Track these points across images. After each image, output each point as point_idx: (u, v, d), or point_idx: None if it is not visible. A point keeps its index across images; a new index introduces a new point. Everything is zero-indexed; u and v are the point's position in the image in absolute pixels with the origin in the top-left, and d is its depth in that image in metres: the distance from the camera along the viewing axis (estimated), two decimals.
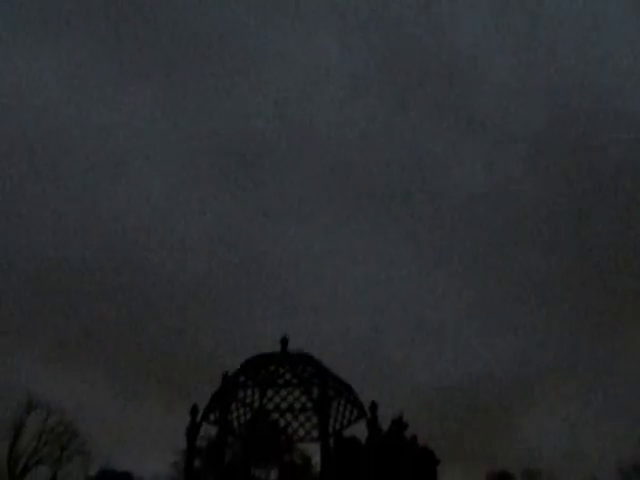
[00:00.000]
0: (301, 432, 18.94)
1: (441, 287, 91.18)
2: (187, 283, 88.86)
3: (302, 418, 18.88)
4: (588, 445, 69.55)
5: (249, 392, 18.34)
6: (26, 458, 47.49)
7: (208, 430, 33.53)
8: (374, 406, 17.78)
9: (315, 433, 18.72)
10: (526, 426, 75.36)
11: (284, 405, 18.66)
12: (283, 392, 18.54)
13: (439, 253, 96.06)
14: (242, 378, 17.69)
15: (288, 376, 18.07)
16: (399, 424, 41.26)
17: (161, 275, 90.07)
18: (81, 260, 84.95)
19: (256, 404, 18.61)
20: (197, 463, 39.36)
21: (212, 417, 17.47)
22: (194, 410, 17.24)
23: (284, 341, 17.69)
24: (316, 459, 40.15)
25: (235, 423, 18.36)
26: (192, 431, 17.31)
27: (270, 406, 18.67)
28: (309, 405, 18.62)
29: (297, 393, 18.60)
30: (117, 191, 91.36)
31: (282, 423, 18.99)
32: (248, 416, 18.60)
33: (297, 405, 18.71)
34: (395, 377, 75.75)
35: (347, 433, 38.08)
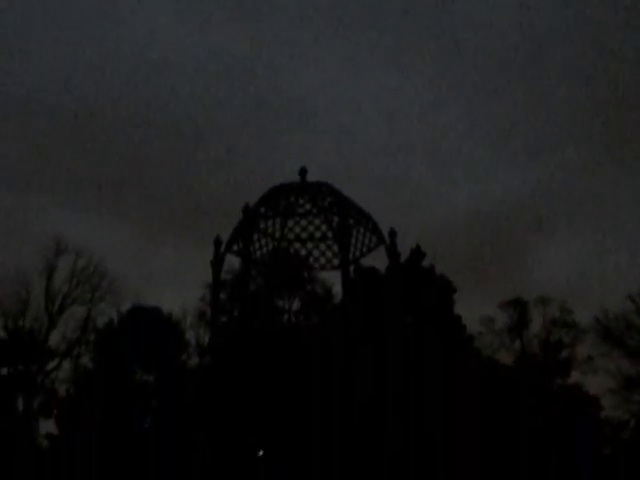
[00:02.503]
0: (322, 260, 19.42)
1: (458, 112, 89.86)
2: (205, 117, 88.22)
3: (323, 247, 19.29)
4: (599, 274, 71.44)
5: (270, 223, 18.65)
6: (61, 299, 49.73)
7: (232, 264, 34.54)
8: (393, 233, 18.08)
9: (336, 261, 19.20)
10: (540, 255, 77.16)
11: (305, 235, 19.01)
12: (303, 222, 18.81)
13: (456, 77, 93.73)
14: (262, 209, 17.93)
15: (308, 206, 18.28)
16: (417, 254, 42.30)
17: (179, 110, 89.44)
18: (102, 97, 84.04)
19: (277, 234, 19.00)
20: (222, 296, 41.05)
21: (235, 248, 17.88)
22: (217, 242, 17.60)
23: (303, 172, 17.69)
24: (336, 289, 41.68)
25: (258, 253, 18.82)
26: (216, 262, 17.75)
27: (291, 236, 19.06)
28: (329, 234, 19.00)
29: (317, 222, 18.87)
30: (128, 18, 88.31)
31: (303, 252, 19.40)
32: (270, 246, 19.04)
33: (317, 234, 19.05)
34: (412, 206, 76.73)
35: (365, 264, 39.20)
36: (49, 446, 48.47)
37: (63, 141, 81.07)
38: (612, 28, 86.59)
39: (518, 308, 50.40)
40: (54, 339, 49.16)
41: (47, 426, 49.10)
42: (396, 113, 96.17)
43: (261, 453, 36.59)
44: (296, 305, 44.49)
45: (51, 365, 49.39)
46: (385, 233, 18.33)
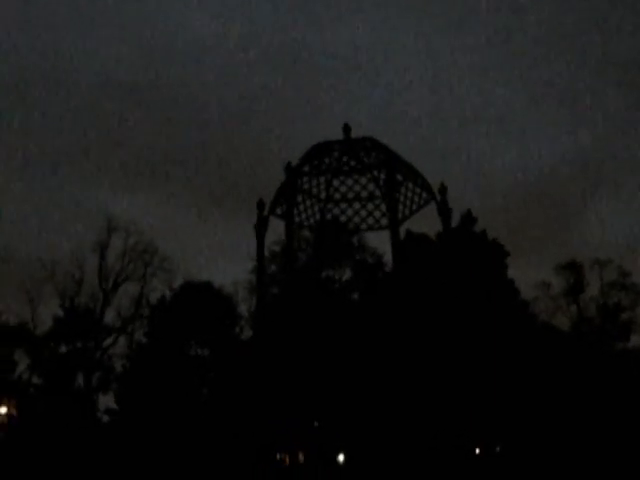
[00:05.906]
0: (370, 221, 18.65)
1: (506, 77, 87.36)
2: (246, 84, 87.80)
3: (370, 206, 18.50)
4: None
5: (314, 182, 17.94)
6: (114, 277, 50.51)
7: (280, 235, 34.08)
8: (443, 189, 17.12)
9: (384, 221, 18.40)
10: (596, 217, 74.80)
11: (351, 195, 18.30)
12: (349, 181, 18.09)
13: (503, 40, 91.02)
14: (306, 168, 17.20)
15: (353, 163, 17.49)
16: (468, 219, 41.26)
17: (221, 84, 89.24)
18: (148, 78, 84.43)
19: (322, 195, 18.32)
20: (274, 267, 40.86)
21: (279, 211, 17.29)
22: (260, 204, 17.00)
23: (346, 128, 16.88)
24: (387, 257, 40.95)
25: (303, 215, 18.20)
26: (260, 226, 17.20)
27: (337, 196, 18.36)
28: (377, 192, 18.23)
29: (364, 180, 18.10)
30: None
31: (350, 213, 18.67)
32: (315, 208, 18.36)
33: (364, 193, 18.31)
34: (462, 170, 75.27)
35: (415, 229, 38.36)
36: (109, 421, 49.44)
37: (109, 122, 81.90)
38: None
39: (574, 271, 49.04)
40: (109, 316, 50.09)
41: (106, 401, 50.11)
42: (443, 74, 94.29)
43: (316, 424, 36.46)
44: (347, 275, 43.90)
45: (108, 341, 50.35)
46: (434, 189, 17.49)
